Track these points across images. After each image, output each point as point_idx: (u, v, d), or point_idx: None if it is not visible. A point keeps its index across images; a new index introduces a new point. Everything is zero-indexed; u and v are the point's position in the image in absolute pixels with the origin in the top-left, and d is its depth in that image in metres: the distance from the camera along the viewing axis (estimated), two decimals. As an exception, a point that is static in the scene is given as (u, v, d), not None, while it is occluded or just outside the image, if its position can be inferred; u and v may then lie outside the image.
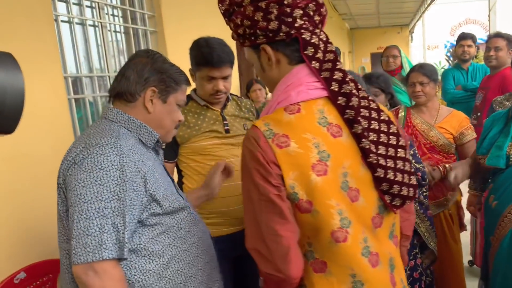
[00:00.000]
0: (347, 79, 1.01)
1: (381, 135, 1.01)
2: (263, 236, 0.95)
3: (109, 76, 2.58)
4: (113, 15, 2.70)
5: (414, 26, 15.71)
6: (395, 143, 1.03)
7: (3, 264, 1.68)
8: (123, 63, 2.77)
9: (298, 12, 0.97)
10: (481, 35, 13.52)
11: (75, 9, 2.34)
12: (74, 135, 2.15)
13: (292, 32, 0.98)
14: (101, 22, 2.52)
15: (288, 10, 0.97)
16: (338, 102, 1.00)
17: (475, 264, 3.15)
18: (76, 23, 2.33)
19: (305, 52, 1.00)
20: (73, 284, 1.15)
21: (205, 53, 1.78)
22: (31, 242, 1.82)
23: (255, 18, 0.98)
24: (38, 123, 1.89)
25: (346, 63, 15.21)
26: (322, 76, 1.00)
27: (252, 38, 1.01)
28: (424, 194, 2.07)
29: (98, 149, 1.09)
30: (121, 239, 1.06)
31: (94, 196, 1.05)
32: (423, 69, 2.39)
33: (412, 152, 2.00)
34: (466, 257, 2.98)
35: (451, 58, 12.40)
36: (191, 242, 1.25)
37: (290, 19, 0.97)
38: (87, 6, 2.44)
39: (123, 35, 2.77)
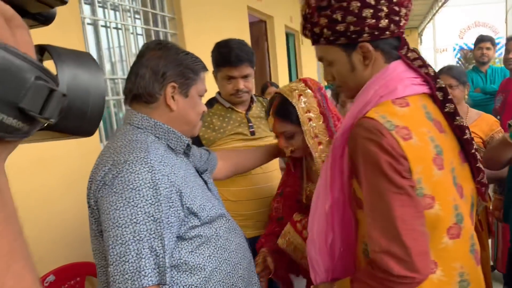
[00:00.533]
0: (438, 75, 1.01)
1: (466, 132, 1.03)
2: (399, 234, 0.87)
3: (131, 79, 2.58)
4: (135, 17, 2.70)
5: (423, 29, 15.63)
6: (471, 139, 1.06)
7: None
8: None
9: (403, 11, 0.96)
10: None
11: (99, 11, 2.34)
12: (99, 137, 2.15)
13: (396, 31, 0.96)
14: (124, 25, 2.52)
15: (397, 8, 0.94)
16: (438, 97, 1.00)
17: (497, 269, 3.11)
18: (101, 26, 2.33)
19: (401, 50, 0.99)
20: (103, 270, 1.12)
21: (224, 53, 1.76)
22: (60, 245, 1.81)
23: (363, 14, 0.92)
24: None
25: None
26: (423, 72, 0.99)
27: (354, 35, 0.95)
28: None
29: (128, 167, 0.99)
30: (161, 263, 0.98)
31: (128, 219, 0.96)
32: (452, 71, 2.33)
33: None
34: (488, 262, 2.92)
35: (462, 61, 12.35)
36: (231, 250, 1.19)
37: (397, 18, 0.95)
38: (111, 9, 2.44)
39: (144, 37, 2.77)
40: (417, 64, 0.99)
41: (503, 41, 3.55)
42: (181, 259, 1.07)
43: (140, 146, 1.05)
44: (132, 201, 0.97)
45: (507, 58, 3.34)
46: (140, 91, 1.11)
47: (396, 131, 0.88)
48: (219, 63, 1.80)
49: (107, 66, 2.45)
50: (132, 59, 2.56)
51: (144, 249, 0.95)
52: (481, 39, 3.84)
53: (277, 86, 4.23)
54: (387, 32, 0.95)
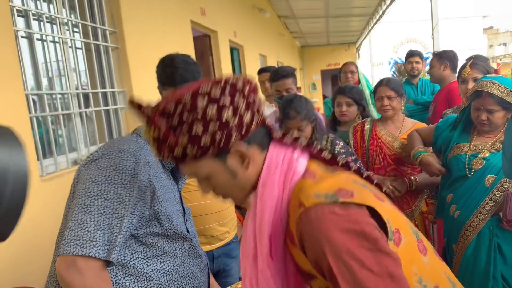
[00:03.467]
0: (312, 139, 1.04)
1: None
2: None
3: (70, 93, 2.49)
4: (73, 31, 2.62)
5: (360, 44, 16.48)
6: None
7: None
8: (83, 79, 2.71)
9: (257, 99, 0.92)
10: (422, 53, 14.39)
11: (34, 24, 2.24)
12: (36, 155, 2.04)
13: (259, 119, 0.92)
14: (61, 38, 2.44)
15: (252, 98, 0.89)
16: (325, 156, 0.97)
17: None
18: (36, 39, 2.24)
19: (274, 134, 0.95)
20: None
21: (168, 73, 1.75)
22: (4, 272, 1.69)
23: (223, 117, 0.84)
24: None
25: (298, 79, 15.61)
26: (289, 142, 0.95)
27: (224, 141, 0.86)
28: None
29: (118, 153, 1.10)
30: (113, 241, 1.02)
31: (100, 193, 1.04)
32: (391, 83, 2.47)
33: (358, 165, 2.12)
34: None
35: (396, 74, 13.15)
36: (184, 275, 1.19)
37: (256, 107, 0.90)
38: (47, 22, 2.35)
39: (84, 51, 2.69)
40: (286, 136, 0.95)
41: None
42: (131, 261, 1.09)
43: (134, 145, 1.15)
44: (110, 179, 1.06)
45: (432, 72, 3.65)
46: None
47: (340, 196, 0.83)
48: (164, 82, 1.79)
49: (44, 81, 2.35)
50: (71, 73, 2.49)
51: (103, 223, 1.02)
52: (411, 54, 4.14)
53: None
54: (253, 124, 0.89)
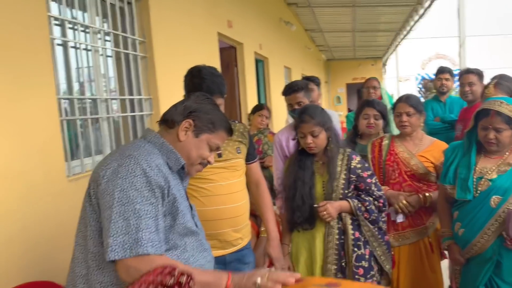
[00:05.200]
0: None
1: None
2: None
3: (99, 99, 2.61)
4: (105, 39, 2.75)
5: (387, 59, 16.37)
6: None
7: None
8: (112, 86, 2.83)
9: None
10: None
11: (69, 32, 2.38)
12: (64, 156, 2.15)
13: None
14: (94, 46, 2.57)
15: None
16: None
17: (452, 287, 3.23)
18: (71, 47, 2.37)
19: None
20: (81, 277, 1.23)
21: (196, 84, 1.86)
22: (19, 263, 1.79)
23: None
24: (31, 143, 1.89)
25: (322, 92, 15.59)
26: None
27: None
28: (383, 219, 2.18)
29: (132, 159, 1.20)
30: (157, 238, 1.16)
31: (131, 199, 1.15)
32: (410, 100, 2.48)
33: (374, 181, 2.14)
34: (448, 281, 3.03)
35: (423, 90, 12.97)
36: (193, 266, 1.28)
37: None
38: (81, 31, 2.49)
39: (114, 59, 2.82)
40: None
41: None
42: None
43: (144, 149, 1.27)
44: (135, 185, 1.17)
45: (463, 91, 3.59)
46: (168, 116, 1.37)
47: None
48: (191, 92, 1.88)
49: (76, 86, 2.48)
50: (100, 80, 2.61)
51: (142, 224, 1.15)
52: (441, 71, 4.06)
53: (270, 112, 4.29)
54: None
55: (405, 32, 10.77)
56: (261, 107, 4.28)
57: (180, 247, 1.27)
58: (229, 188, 1.98)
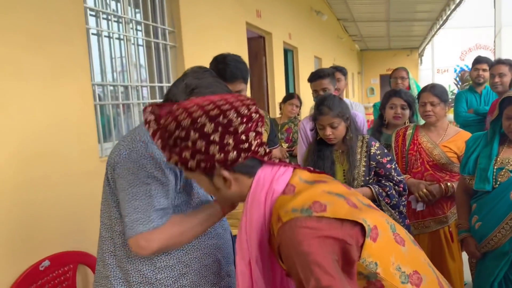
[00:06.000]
0: None
1: None
2: None
3: (130, 86, 2.77)
4: (136, 29, 2.90)
5: (423, 50, 15.90)
6: None
7: (30, 252, 1.83)
8: (143, 74, 2.98)
9: (252, 135, 0.99)
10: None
11: (103, 23, 2.53)
12: (97, 138, 2.32)
13: (249, 154, 1.00)
14: (126, 36, 2.72)
15: (244, 137, 0.98)
16: (297, 166, 1.10)
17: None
18: (104, 36, 2.52)
19: (265, 158, 1.05)
20: (108, 254, 1.33)
21: (220, 69, 1.93)
22: (56, 234, 1.96)
23: (210, 152, 0.96)
24: (67, 124, 2.06)
25: (355, 83, 15.39)
26: (276, 162, 1.08)
27: (207, 169, 0.99)
28: (403, 203, 2.20)
29: (142, 144, 1.27)
30: (166, 212, 1.24)
31: (141, 180, 1.23)
32: (434, 89, 2.46)
33: (393, 166, 2.17)
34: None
35: (460, 82, 12.54)
36: (211, 235, 1.38)
37: (247, 145, 0.98)
38: (114, 21, 2.64)
39: (145, 48, 2.96)
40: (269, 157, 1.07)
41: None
42: None
43: None
44: (145, 167, 1.23)
45: (493, 82, 3.49)
46: (170, 97, 1.37)
47: (314, 210, 0.94)
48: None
49: (108, 74, 2.64)
50: (132, 68, 2.76)
51: (152, 203, 1.22)
52: (478, 61, 3.94)
53: (301, 102, 4.36)
54: (240, 159, 0.99)
55: (441, 22, 10.43)
56: (291, 96, 4.35)
57: None
58: None
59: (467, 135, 2.46)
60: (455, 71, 18.00)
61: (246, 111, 0.98)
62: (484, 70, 3.88)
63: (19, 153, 1.79)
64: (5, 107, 1.74)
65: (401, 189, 2.15)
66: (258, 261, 1.05)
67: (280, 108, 4.42)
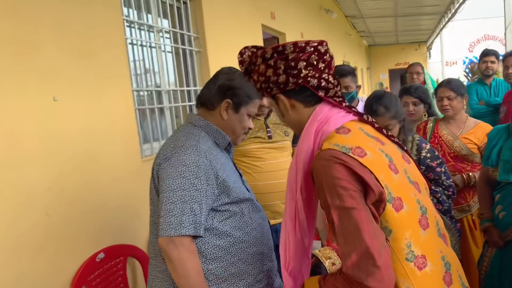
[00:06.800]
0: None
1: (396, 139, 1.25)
2: (367, 248, 0.96)
3: (163, 91, 2.94)
4: (165, 37, 3.07)
5: (432, 43, 15.88)
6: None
7: (87, 246, 2.01)
8: (172, 79, 3.15)
9: (301, 64, 1.11)
10: (500, 51, 13.48)
11: (137, 32, 2.71)
12: (139, 139, 2.49)
13: (299, 81, 1.12)
14: (157, 44, 2.89)
15: (293, 64, 1.11)
16: (365, 118, 1.19)
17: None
18: (139, 45, 2.70)
19: (320, 94, 1.15)
20: (159, 249, 1.41)
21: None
22: (108, 228, 2.14)
23: (267, 74, 1.14)
24: (113, 128, 2.23)
25: (364, 79, 15.44)
26: (343, 105, 1.17)
27: (268, 90, 1.17)
28: (452, 207, 2.10)
29: (183, 150, 1.36)
30: (197, 221, 1.32)
31: (178, 186, 1.31)
32: (451, 84, 2.56)
33: (443, 170, 2.07)
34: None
35: (470, 74, 12.52)
36: (253, 226, 1.49)
37: (295, 71, 1.11)
38: (147, 30, 2.82)
39: (173, 54, 3.14)
40: (339, 101, 1.19)
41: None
42: (213, 225, 1.40)
43: (193, 137, 1.42)
44: (183, 174, 1.32)
45: (507, 73, 3.58)
46: (205, 100, 1.50)
47: (352, 152, 1.03)
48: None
49: (143, 79, 2.82)
50: (163, 73, 2.94)
51: (186, 208, 1.31)
52: (486, 53, 4.01)
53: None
54: (290, 84, 1.13)
55: (450, 15, 10.47)
56: None
57: (238, 214, 1.44)
58: (278, 166, 2.24)
59: (486, 126, 2.55)
60: (464, 63, 17.92)
61: (302, 44, 1.13)
62: (492, 62, 3.95)
63: (75, 157, 1.96)
64: (61, 116, 1.91)
65: (450, 193, 2.06)
66: (302, 190, 1.16)
67: None
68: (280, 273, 1.59)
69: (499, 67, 4.13)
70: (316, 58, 1.13)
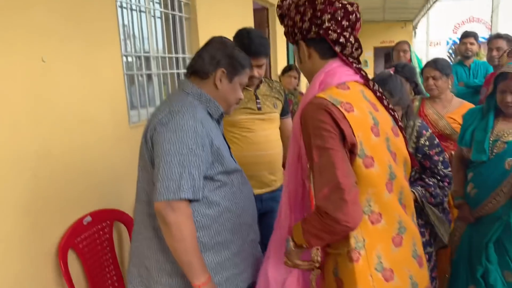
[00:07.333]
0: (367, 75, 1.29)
1: (395, 113, 1.33)
2: (339, 184, 1.06)
3: (151, 56, 2.89)
4: (155, 1, 3.00)
5: (418, 22, 15.90)
6: (398, 117, 1.34)
7: (74, 209, 2.02)
8: (161, 45, 3.09)
9: (326, 17, 1.19)
10: (484, 34, 13.65)
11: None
12: (127, 105, 2.47)
13: (320, 32, 1.20)
14: (147, 8, 2.82)
15: (318, 14, 1.20)
16: (370, 84, 1.28)
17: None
18: (129, 9, 2.62)
19: (336, 48, 1.22)
20: (148, 216, 1.44)
21: (245, 44, 2.00)
22: (95, 193, 2.15)
23: (295, 19, 1.24)
24: (101, 93, 2.20)
25: (350, 55, 15.36)
26: (354, 66, 1.25)
27: (292, 35, 1.27)
28: (446, 193, 2.06)
29: (181, 115, 1.35)
30: (196, 185, 1.33)
31: (177, 151, 1.31)
32: (436, 64, 2.62)
33: (441, 159, 2.02)
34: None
35: (453, 55, 12.68)
36: (241, 198, 1.53)
37: (319, 21, 1.20)
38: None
39: (163, 19, 3.07)
40: (352, 61, 1.26)
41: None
42: (204, 194, 1.41)
43: (189, 104, 1.41)
44: (181, 139, 1.31)
45: (491, 56, 3.65)
46: (198, 68, 1.48)
47: (341, 105, 1.13)
48: None
49: (131, 45, 2.76)
50: (152, 39, 2.88)
51: (184, 173, 1.31)
52: (465, 35, 4.10)
53: (299, 73, 4.45)
54: (312, 32, 1.22)
55: (438, -6, 10.45)
56: (290, 68, 4.36)
57: (228, 184, 1.47)
58: (266, 137, 2.26)
59: (471, 106, 2.58)
60: (447, 44, 18.05)
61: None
62: (471, 43, 4.03)
63: (64, 120, 1.94)
64: (50, 78, 1.87)
65: (446, 183, 2.01)
66: (302, 146, 1.23)
67: (280, 80, 4.52)
68: (261, 246, 1.64)
69: (479, 49, 4.20)
70: (342, 15, 1.20)
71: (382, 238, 1.18)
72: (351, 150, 1.13)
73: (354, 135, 1.12)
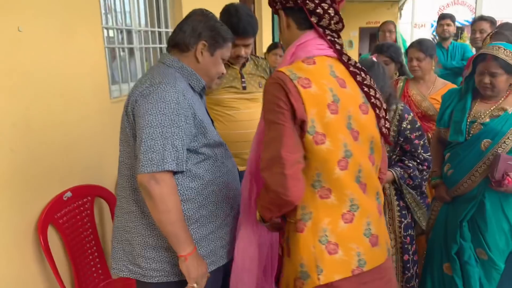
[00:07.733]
0: (343, 50, 1.27)
1: (371, 89, 1.29)
2: (281, 158, 1.10)
3: (133, 30, 2.81)
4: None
5: (404, 4, 15.88)
6: (374, 93, 1.29)
7: (54, 185, 1.98)
8: (143, 20, 3.01)
9: None
10: (468, 17, 13.78)
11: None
12: (108, 79, 2.41)
13: (298, 0, 1.20)
14: (129, -21, 2.73)
15: None
16: (343, 59, 1.25)
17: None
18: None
19: (311, 19, 1.21)
20: (130, 190, 1.43)
21: (233, 23, 1.97)
22: (77, 168, 2.11)
23: None
24: (82, 67, 2.14)
25: (335, 35, 15.30)
26: (328, 39, 1.23)
27: (274, 4, 1.28)
28: (425, 177, 2.09)
29: (162, 86, 1.33)
30: (180, 156, 1.32)
31: (159, 122, 1.29)
32: (420, 45, 2.64)
33: (422, 143, 2.03)
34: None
35: (437, 37, 12.78)
36: (224, 171, 1.53)
37: None
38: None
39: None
40: (328, 33, 1.25)
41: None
42: (187, 167, 1.40)
43: (170, 76, 1.39)
44: (162, 110, 1.30)
45: (474, 37, 3.69)
46: (179, 41, 1.44)
47: (298, 81, 1.13)
48: None
49: (112, 17, 2.68)
50: (133, 12, 2.79)
51: (167, 144, 1.30)
52: (442, 17, 4.19)
53: (283, 48, 4.40)
54: (290, 1, 1.23)
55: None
56: (275, 46, 4.29)
57: (212, 157, 1.47)
58: (250, 116, 2.25)
59: (453, 87, 2.58)
60: (432, 26, 18.15)
61: None
62: (448, 25, 4.10)
63: (42, 93, 1.88)
64: (27, 48, 1.80)
65: (425, 167, 2.04)
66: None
67: (265, 58, 4.47)
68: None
69: (455, 30, 4.29)
70: None
71: (331, 213, 1.19)
72: (301, 127, 1.14)
73: (306, 112, 1.12)
